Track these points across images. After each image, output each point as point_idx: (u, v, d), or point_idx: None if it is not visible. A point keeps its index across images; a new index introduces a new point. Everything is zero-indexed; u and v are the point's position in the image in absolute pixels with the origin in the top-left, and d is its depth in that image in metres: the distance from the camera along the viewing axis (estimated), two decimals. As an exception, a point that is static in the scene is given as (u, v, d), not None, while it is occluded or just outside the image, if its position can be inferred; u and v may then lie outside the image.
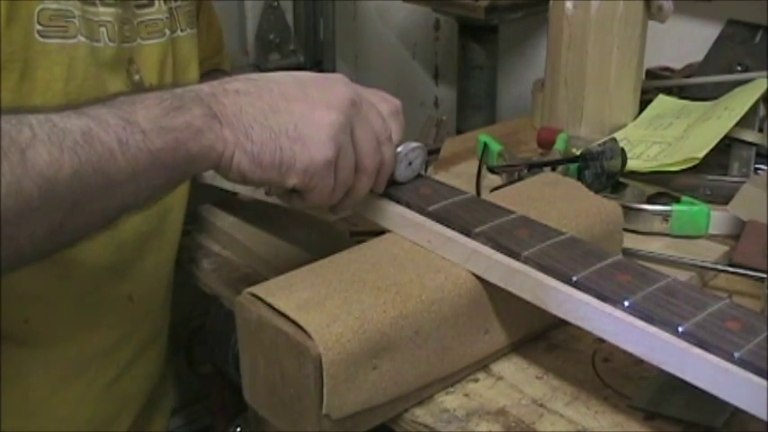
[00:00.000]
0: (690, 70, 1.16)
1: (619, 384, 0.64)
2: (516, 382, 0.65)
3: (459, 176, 0.98)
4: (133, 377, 0.90)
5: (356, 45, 1.85)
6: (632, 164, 0.94)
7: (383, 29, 1.78)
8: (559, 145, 1.00)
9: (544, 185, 0.77)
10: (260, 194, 0.85)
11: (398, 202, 0.69)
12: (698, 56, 1.15)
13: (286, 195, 0.65)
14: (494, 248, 0.63)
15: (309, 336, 0.55)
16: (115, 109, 0.55)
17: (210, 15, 1.01)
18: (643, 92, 1.11)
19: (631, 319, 0.54)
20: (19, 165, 0.50)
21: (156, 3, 0.82)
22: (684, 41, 1.20)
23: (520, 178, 0.90)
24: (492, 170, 0.94)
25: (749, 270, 0.77)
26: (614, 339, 0.55)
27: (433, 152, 0.93)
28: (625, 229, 0.78)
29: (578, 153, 0.93)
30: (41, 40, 0.70)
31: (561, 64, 1.07)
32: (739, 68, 1.09)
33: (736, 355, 0.50)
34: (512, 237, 0.63)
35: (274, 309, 0.58)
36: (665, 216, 0.84)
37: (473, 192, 0.86)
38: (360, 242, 0.68)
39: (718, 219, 0.85)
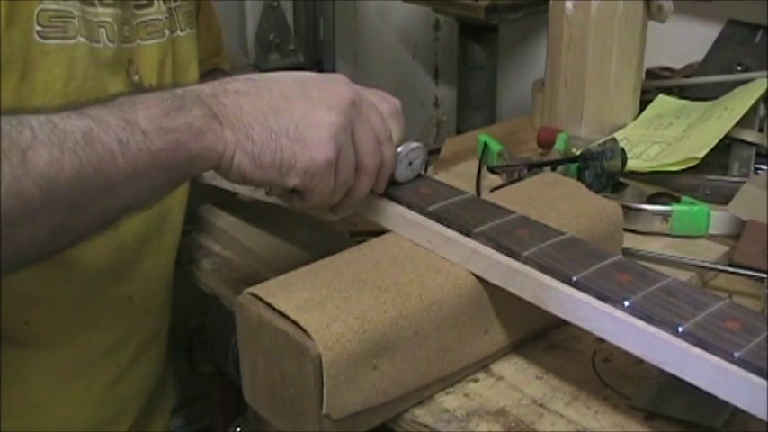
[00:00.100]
0: (690, 70, 1.16)
1: (619, 384, 0.64)
2: (516, 382, 0.65)
3: (459, 176, 0.98)
4: (133, 378, 0.90)
5: (356, 45, 1.85)
6: (632, 164, 0.94)
7: (383, 29, 1.78)
8: (559, 145, 1.00)
9: (544, 185, 0.77)
10: (260, 194, 0.85)
11: (398, 202, 0.69)
12: (698, 56, 1.15)
13: (286, 195, 0.65)
14: (494, 248, 0.63)
15: (309, 336, 0.55)
16: (115, 110, 0.55)
17: (210, 15, 1.01)
18: (643, 92, 1.11)
19: (631, 319, 0.54)
20: (19, 166, 0.50)
21: (156, 3, 0.82)
22: (684, 41, 1.20)
23: (520, 178, 0.90)
24: (492, 170, 0.94)
25: (749, 270, 0.77)
26: (614, 339, 0.55)
27: (433, 152, 0.93)
28: (625, 229, 0.78)
29: (578, 153, 0.93)
30: (41, 40, 0.70)
31: (561, 64, 1.07)
32: (739, 68, 1.09)
33: (736, 355, 0.50)
34: (512, 237, 0.63)
35: (274, 309, 0.58)
36: (665, 216, 0.84)
37: (473, 192, 0.86)
38: (360, 242, 0.68)
39: (718, 219, 0.85)
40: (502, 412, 0.62)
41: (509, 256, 0.62)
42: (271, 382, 0.60)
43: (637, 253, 0.79)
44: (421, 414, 0.63)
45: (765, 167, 0.95)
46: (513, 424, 0.61)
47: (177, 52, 0.85)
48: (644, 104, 1.09)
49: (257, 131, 0.59)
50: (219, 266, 0.88)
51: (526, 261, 0.60)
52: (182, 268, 0.91)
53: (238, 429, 1.14)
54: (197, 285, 0.89)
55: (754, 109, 0.96)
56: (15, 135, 0.50)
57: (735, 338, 0.51)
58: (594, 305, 0.56)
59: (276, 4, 1.74)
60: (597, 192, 0.80)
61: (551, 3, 1.07)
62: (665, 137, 1.00)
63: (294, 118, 0.60)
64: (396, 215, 0.68)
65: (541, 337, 0.70)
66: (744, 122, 0.95)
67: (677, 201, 0.86)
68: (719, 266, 0.79)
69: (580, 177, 0.89)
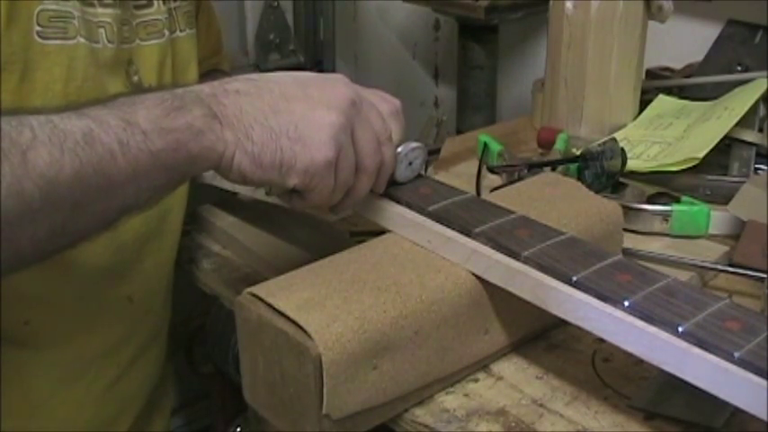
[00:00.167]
0: (690, 70, 1.16)
1: (619, 384, 0.64)
2: (516, 382, 0.65)
3: (460, 176, 0.98)
4: (133, 378, 0.90)
5: (356, 45, 1.85)
6: (632, 164, 0.94)
7: (383, 29, 1.78)
8: (559, 145, 1.00)
9: (544, 185, 0.77)
10: (260, 194, 0.86)
11: (398, 202, 0.69)
12: (698, 56, 1.15)
13: (286, 195, 0.65)
14: (494, 248, 0.63)
15: (309, 336, 0.55)
16: (116, 110, 0.55)
17: (210, 15, 1.01)
18: (643, 92, 1.11)
19: (631, 319, 0.54)
20: (20, 166, 0.50)
21: (155, 3, 0.82)
22: (684, 41, 1.20)
23: (520, 178, 0.90)
24: (492, 170, 0.94)
25: (749, 270, 0.77)
26: (614, 339, 0.55)
27: (433, 152, 0.93)
28: (625, 229, 0.78)
29: (578, 153, 0.93)
30: (41, 41, 0.70)
31: (561, 64, 1.07)
32: (739, 68, 1.09)
33: (736, 355, 0.50)
34: (512, 237, 0.63)
35: (274, 309, 0.58)
36: (665, 216, 0.84)
37: (473, 192, 0.86)
38: (360, 242, 0.68)
39: (718, 219, 0.85)
40: (502, 412, 0.62)
41: (509, 256, 0.62)
42: (271, 382, 0.60)
43: (637, 253, 0.79)
44: (421, 414, 0.63)
45: (765, 167, 0.95)
46: (513, 424, 0.61)
47: (177, 52, 0.85)
48: (644, 104, 1.09)
49: (257, 131, 0.59)
50: (219, 266, 0.88)
51: (526, 261, 0.60)
52: (182, 268, 0.91)
53: (238, 429, 1.14)
54: (197, 285, 0.89)
55: (754, 109, 0.96)
56: (15, 135, 0.50)
57: (735, 338, 0.51)
58: (594, 305, 0.56)
59: (276, 4, 1.74)
60: (597, 192, 0.80)
61: (551, 3, 1.07)
62: (665, 137, 1.00)
63: (294, 118, 0.60)
64: (396, 215, 0.68)
65: (541, 337, 0.70)
66: (744, 122, 0.95)
67: (677, 201, 0.86)
68: (719, 266, 0.79)
69: (580, 177, 0.89)
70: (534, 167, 0.91)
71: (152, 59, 0.82)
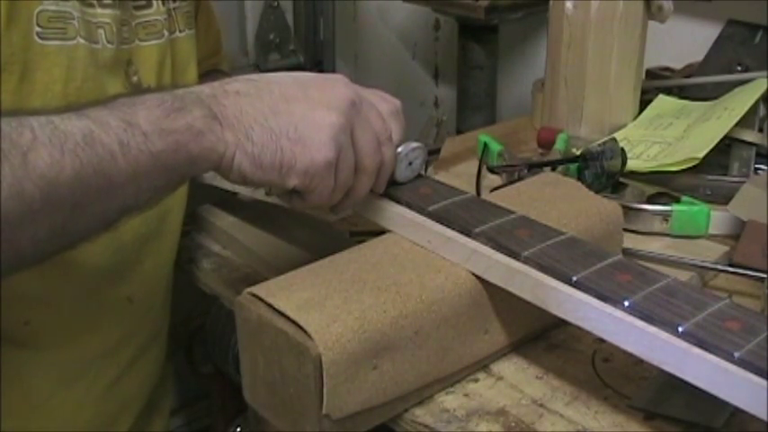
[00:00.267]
0: (690, 70, 1.16)
1: (619, 384, 0.64)
2: (516, 382, 0.65)
3: (459, 176, 0.98)
4: (133, 378, 0.90)
5: (356, 45, 1.85)
6: (632, 164, 0.94)
7: (383, 29, 1.78)
8: (559, 145, 1.00)
9: (544, 185, 0.77)
10: (260, 194, 0.86)
11: (398, 202, 0.69)
12: (698, 56, 1.15)
13: (286, 196, 0.65)
14: (494, 248, 0.63)
15: (309, 336, 0.55)
16: (116, 111, 0.55)
17: (209, 16, 1.01)
18: (643, 92, 1.10)
19: (631, 319, 0.54)
20: (20, 167, 0.50)
21: (155, 4, 0.82)
22: (684, 41, 1.20)
23: (520, 178, 0.90)
24: (492, 170, 0.94)
25: (749, 270, 0.77)
26: (614, 339, 0.55)
27: (433, 152, 0.93)
28: (625, 229, 0.78)
29: (578, 153, 0.93)
30: (40, 41, 0.70)
31: (561, 64, 1.07)
32: (739, 68, 1.09)
33: (736, 355, 0.50)
34: (512, 237, 0.63)
35: (274, 309, 0.58)
36: (665, 216, 0.84)
37: (473, 192, 0.86)
38: (360, 242, 0.68)
39: (718, 219, 0.85)
40: (502, 412, 0.62)
41: (509, 256, 0.62)
42: (271, 382, 0.60)
43: (637, 253, 0.79)
44: (421, 414, 0.63)
45: (765, 167, 0.95)
46: (513, 424, 0.61)
47: (176, 53, 0.85)
48: (644, 104, 1.09)
49: (257, 132, 0.59)
50: (219, 266, 0.88)
51: (526, 261, 0.60)
52: (181, 268, 0.91)
53: (238, 429, 1.15)
54: (197, 285, 0.89)
55: (754, 109, 0.96)
56: (16, 137, 0.50)
57: (735, 338, 0.51)
58: (594, 305, 0.56)
59: (276, 4, 1.74)
60: (597, 192, 0.80)
61: (551, 3, 1.07)
62: (665, 137, 1.00)
63: (294, 119, 0.60)
64: (396, 215, 0.68)
65: (541, 337, 0.70)
66: (744, 122, 0.95)
67: (677, 201, 0.86)
68: (719, 266, 0.79)
69: (580, 177, 0.89)
70: (534, 167, 0.91)
71: (151, 60, 0.82)
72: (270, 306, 0.58)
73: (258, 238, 0.87)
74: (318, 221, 0.88)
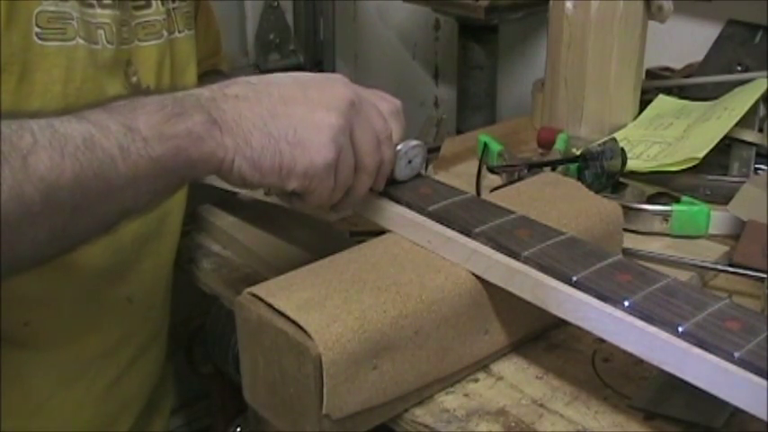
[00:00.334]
0: (690, 70, 1.16)
1: (619, 384, 0.64)
2: (516, 382, 0.65)
3: (460, 176, 0.98)
4: (133, 378, 0.90)
5: (356, 45, 1.85)
6: (632, 164, 0.94)
7: (383, 29, 1.78)
8: (559, 145, 1.00)
9: (544, 185, 0.77)
10: (259, 194, 0.86)
11: (398, 202, 0.69)
12: (698, 56, 1.15)
13: (286, 196, 0.65)
14: (494, 248, 0.63)
15: (309, 336, 0.55)
16: (116, 114, 0.56)
17: (208, 16, 1.01)
18: (643, 92, 1.10)
19: (631, 319, 0.54)
20: (20, 170, 0.50)
21: (154, 4, 0.82)
22: (684, 41, 1.20)
23: (520, 178, 0.90)
24: (492, 170, 0.94)
25: (749, 270, 0.77)
26: (614, 339, 0.55)
27: (432, 150, 0.93)
28: (625, 229, 0.78)
29: (578, 153, 0.93)
30: (40, 42, 0.70)
31: (561, 64, 1.07)
32: (739, 68, 1.09)
33: (736, 355, 0.50)
34: (512, 237, 0.63)
35: (274, 309, 0.58)
36: (665, 216, 0.84)
37: (473, 192, 0.86)
38: (360, 242, 0.68)
39: (718, 219, 0.85)
40: (502, 412, 0.62)
41: (509, 256, 0.61)
42: (271, 382, 0.60)
43: (637, 253, 0.79)
44: (421, 414, 0.62)
45: (765, 167, 0.95)
46: (513, 424, 0.61)
47: (175, 53, 0.85)
48: (644, 104, 1.09)
49: (256, 137, 0.59)
50: (219, 266, 0.88)
51: (526, 261, 0.60)
52: (181, 268, 0.91)
53: (238, 429, 1.14)
54: (197, 285, 0.89)
55: (754, 109, 0.96)
56: (16, 139, 0.50)
57: (735, 338, 0.51)
58: (594, 305, 0.56)
59: (276, 4, 1.74)
60: (597, 192, 0.80)
61: (551, 3, 1.07)
62: (665, 137, 1.00)
63: (293, 121, 0.60)
64: (396, 215, 0.68)
65: (541, 337, 0.70)
66: (744, 122, 0.95)
67: (677, 201, 0.86)
68: (719, 266, 0.79)
69: (580, 177, 0.89)
70: (534, 167, 0.91)
71: (151, 60, 0.82)
72: (270, 306, 0.58)
73: (258, 238, 0.87)
74: (318, 221, 0.88)
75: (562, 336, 0.70)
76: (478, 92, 1.45)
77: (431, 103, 1.73)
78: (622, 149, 0.91)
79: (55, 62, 0.71)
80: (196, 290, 0.89)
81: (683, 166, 0.92)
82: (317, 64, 1.84)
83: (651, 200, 0.88)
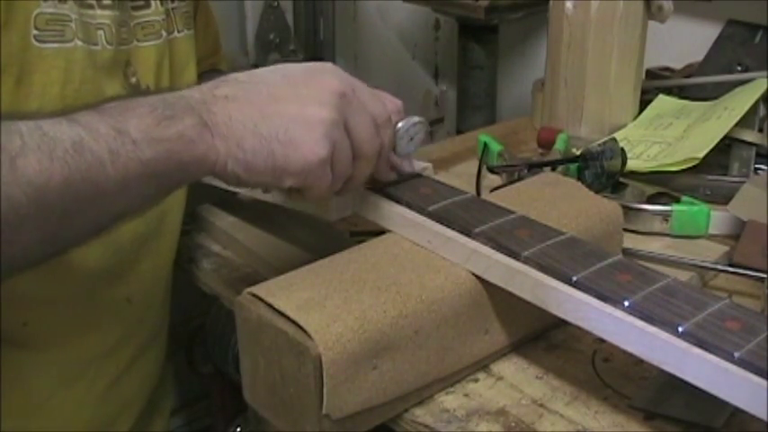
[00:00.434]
0: (690, 70, 1.16)
1: (619, 384, 0.64)
2: (516, 382, 0.65)
3: (460, 176, 0.98)
4: (133, 378, 0.90)
5: (356, 45, 1.85)
6: (632, 164, 0.94)
7: (383, 29, 1.78)
8: (559, 145, 1.00)
9: (544, 185, 0.77)
10: (259, 193, 0.85)
11: (398, 202, 0.69)
12: (698, 56, 1.15)
13: (284, 192, 0.65)
14: (494, 248, 0.63)
15: (309, 336, 0.55)
16: (107, 117, 0.55)
17: (207, 16, 1.01)
18: (643, 92, 1.10)
19: (631, 319, 0.54)
20: (8, 173, 0.50)
21: (153, 4, 0.82)
22: (684, 41, 1.20)
23: (520, 178, 0.90)
24: (492, 170, 0.94)
25: (749, 270, 0.77)
26: (614, 339, 0.55)
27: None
28: (625, 229, 0.78)
29: (578, 153, 0.93)
30: (38, 44, 0.70)
31: (561, 64, 1.07)
32: (739, 68, 1.09)
33: (736, 355, 0.49)
34: (512, 237, 0.63)
35: (274, 309, 0.58)
36: (665, 216, 0.84)
37: (473, 192, 0.86)
38: (360, 242, 0.68)
39: (718, 219, 0.85)
40: (502, 412, 0.62)
41: (509, 256, 0.61)
42: (271, 382, 0.60)
43: (637, 253, 0.79)
44: (421, 414, 0.62)
45: (765, 167, 0.95)
46: (513, 424, 0.61)
47: (175, 53, 0.85)
48: (644, 104, 1.09)
49: (248, 140, 0.59)
50: (219, 266, 0.88)
51: (526, 261, 0.60)
52: (181, 268, 0.91)
53: (238, 429, 1.15)
54: (197, 285, 0.89)
55: (754, 109, 0.96)
56: (5, 142, 0.50)
57: (735, 338, 0.51)
58: (594, 305, 0.56)
59: (276, 4, 1.74)
60: (597, 192, 0.80)
61: (551, 3, 1.07)
62: (665, 137, 1.00)
63: (284, 120, 0.60)
64: (396, 215, 0.68)
65: (541, 337, 0.70)
66: (744, 122, 0.95)
67: (677, 201, 0.86)
68: (719, 266, 0.78)
69: (580, 177, 0.89)
70: (534, 167, 0.91)
71: (150, 60, 0.81)
72: (270, 306, 0.58)
73: (258, 238, 0.87)
74: (318, 221, 0.87)
75: (562, 336, 0.70)
76: (478, 92, 1.45)
77: (431, 103, 1.73)
78: (622, 149, 0.91)
79: (53, 64, 0.71)
80: (196, 290, 0.89)
81: (683, 166, 0.92)
82: (317, 64, 1.84)
83: (651, 200, 0.88)
